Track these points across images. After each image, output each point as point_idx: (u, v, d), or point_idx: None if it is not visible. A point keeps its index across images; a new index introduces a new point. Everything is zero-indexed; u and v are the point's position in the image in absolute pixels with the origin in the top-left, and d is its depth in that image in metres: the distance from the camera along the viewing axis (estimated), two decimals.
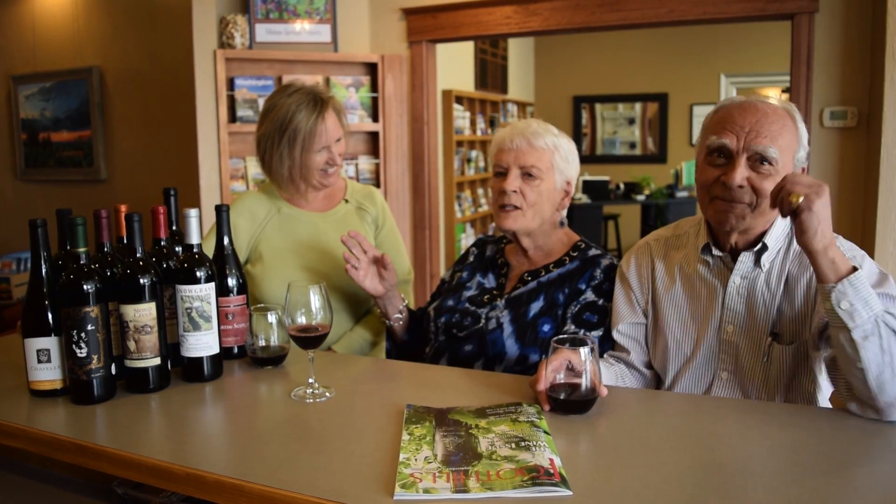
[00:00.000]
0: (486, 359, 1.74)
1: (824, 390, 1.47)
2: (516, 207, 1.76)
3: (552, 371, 1.31)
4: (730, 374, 1.53)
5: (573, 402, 1.30)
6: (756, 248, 1.49)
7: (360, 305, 2.11)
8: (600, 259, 1.78)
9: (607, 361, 1.64)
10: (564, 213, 1.87)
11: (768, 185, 1.39)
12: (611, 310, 1.72)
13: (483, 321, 1.77)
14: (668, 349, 1.59)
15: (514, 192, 1.75)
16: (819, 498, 0.98)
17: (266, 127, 2.00)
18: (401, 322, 1.92)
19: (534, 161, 1.75)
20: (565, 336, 1.38)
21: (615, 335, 1.67)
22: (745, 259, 1.51)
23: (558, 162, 1.78)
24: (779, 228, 1.50)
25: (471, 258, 1.98)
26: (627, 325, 1.66)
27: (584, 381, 1.29)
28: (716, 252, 1.54)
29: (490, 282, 1.88)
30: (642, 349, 1.65)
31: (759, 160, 1.41)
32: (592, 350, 1.30)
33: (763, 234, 1.49)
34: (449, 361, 1.80)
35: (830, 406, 1.46)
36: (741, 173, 1.41)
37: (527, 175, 1.75)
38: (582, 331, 1.69)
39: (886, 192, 2.85)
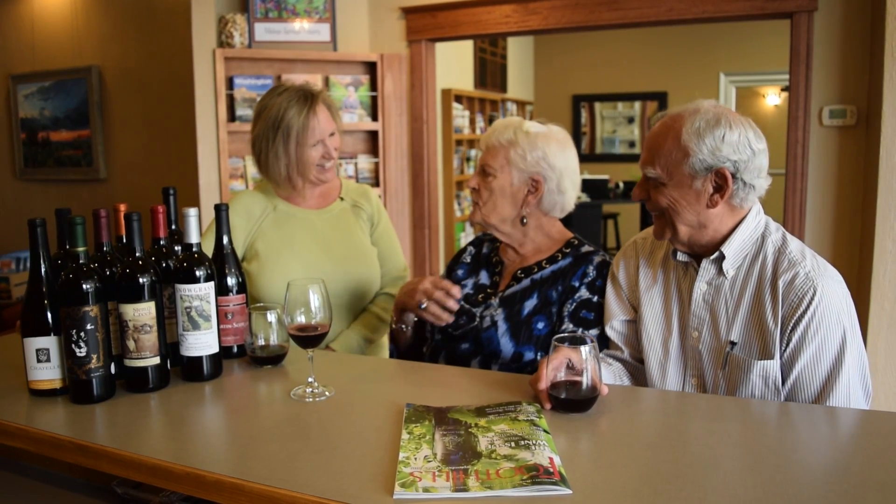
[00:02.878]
0: (483, 357, 1.75)
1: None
2: (476, 203, 1.84)
3: (553, 370, 1.32)
4: (698, 380, 1.54)
5: (574, 400, 1.30)
6: (713, 257, 1.51)
7: (357, 303, 2.11)
8: (593, 256, 1.79)
9: (605, 361, 1.65)
10: (557, 211, 1.83)
11: (658, 197, 1.50)
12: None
13: (478, 319, 1.78)
14: (645, 349, 1.61)
15: (474, 189, 1.83)
16: (818, 495, 0.98)
17: (259, 127, 2.02)
18: (410, 327, 1.90)
19: (487, 159, 1.80)
20: (566, 335, 1.38)
21: (608, 332, 1.69)
22: (707, 266, 1.53)
23: (514, 158, 1.76)
24: (740, 238, 1.50)
25: (467, 257, 1.99)
26: (619, 322, 1.68)
27: (585, 380, 1.29)
28: (681, 257, 1.57)
29: (484, 279, 1.89)
30: (633, 345, 1.66)
31: (647, 177, 1.52)
32: (593, 349, 1.31)
33: (722, 241, 1.50)
34: (446, 360, 1.81)
35: None
36: (638, 188, 1.55)
37: (483, 173, 1.81)
38: (580, 329, 1.69)
39: (885, 190, 2.85)
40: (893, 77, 2.81)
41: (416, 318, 1.86)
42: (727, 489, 1.00)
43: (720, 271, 1.51)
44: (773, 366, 1.42)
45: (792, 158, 3.23)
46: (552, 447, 1.13)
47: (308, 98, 1.99)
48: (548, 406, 1.31)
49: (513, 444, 1.14)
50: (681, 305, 1.57)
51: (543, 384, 1.31)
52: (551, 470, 1.05)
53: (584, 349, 1.30)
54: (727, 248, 1.49)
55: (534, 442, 1.15)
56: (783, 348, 1.42)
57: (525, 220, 1.82)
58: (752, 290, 1.48)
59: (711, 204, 1.46)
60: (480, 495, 1.00)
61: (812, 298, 1.39)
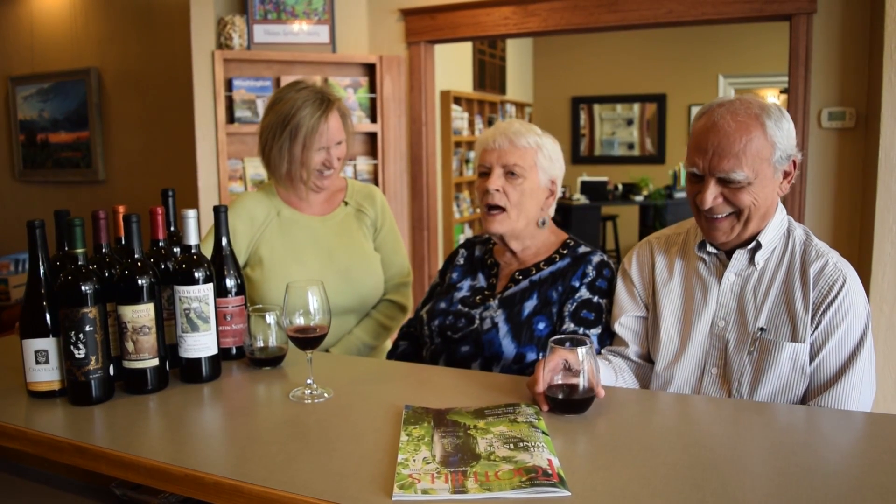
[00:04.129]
0: (484, 359, 1.74)
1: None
2: (501, 208, 1.77)
3: (549, 371, 1.32)
4: (719, 370, 1.55)
5: (571, 401, 1.30)
6: (750, 247, 1.53)
7: (360, 310, 2.10)
8: (591, 256, 1.79)
9: (605, 358, 1.65)
10: (551, 211, 1.86)
11: (743, 197, 1.45)
12: (606, 306, 1.73)
13: (477, 322, 1.78)
14: (661, 342, 1.61)
15: (497, 191, 1.76)
16: (817, 498, 0.98)
17: (270, 118, 1.99)
18: None
19: (516, 160, 1.76)
20: (563, 336, 1.38)
21: (616, 327, 1.69)
22: (740, 257, 1.55)
23: (541, 161, 1.78)
24: (774, 228, 1.53)
25: (460, 260, 1.97)
26: (629, 318, 1.68)
27: (582, 381, 1.29)
28: (711, 249, 1.58)
29: (480, 282, 1.88)
30: (641, 342, 1.66)
31: (727, 181, 1.45)
32: (590, 350, 1.31)
33: (758, 232, 1.52)
34: (446, 363, 1.80)
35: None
36: (711, 195, 1.47)
37: (510, 174, 1.76)
38: (581, 329, 1.69)
39: (884, 192, 2.85)
40: (892, 79, 2.82)
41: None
42: (726, 491, 1.00)
43: (751, 261, 1.54)
44: (803, 349, 1.46)
45: None
46: (551, 449, 1.13)
47: (324, 102, 1.97)
48: (545, 408, 1.31)
49: (512, 445, 1.14)
50: (704, 297, 1.58)
51: (540, 387, 1.32)
52: (550, 472, 1.05)
53: (581, 350, 1.30)
54: (763, 238, 1.52)
55: (532, 444, 1.14)
56: (813, 331, 1.46)
57: (544, 222, 1.84)
58: (781, 279, 1.51)
59: (782, 191, 1.51)
60: (479, 497, 1.00)
61: (843, 285, 1.45)
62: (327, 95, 1.99)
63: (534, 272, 1.80)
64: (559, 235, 1.88)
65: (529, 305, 1.75)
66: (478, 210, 6.80)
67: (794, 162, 1.50)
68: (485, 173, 1.79)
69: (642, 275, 1.69)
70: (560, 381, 1.32)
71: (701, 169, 1.47)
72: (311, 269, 2.00)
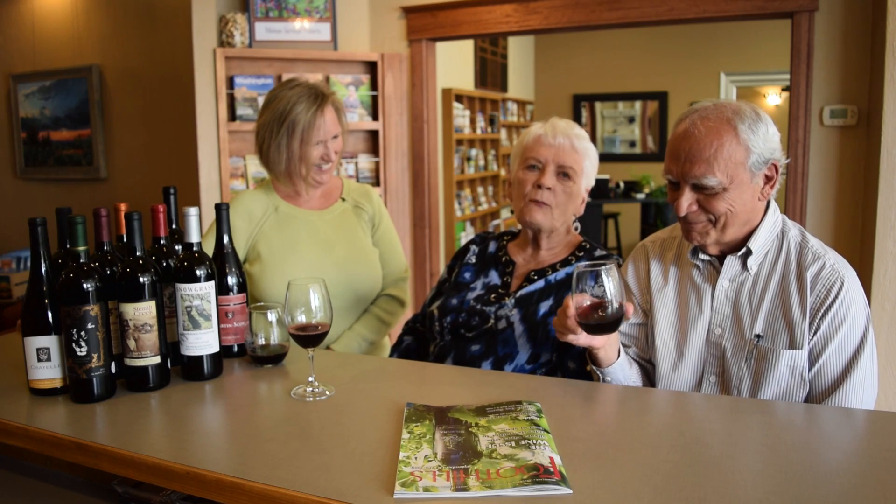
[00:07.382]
0: (496, 358, 1.73)
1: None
2: (546, 204, 1.77)
3: (577, 298, 1.37)
4: (717, 378, 1.54)
5: (602, 324, 1.36)
6: (741, 253, 1.52)
7: (359, 305, 2.11)
8: (607, 259, 1.79)
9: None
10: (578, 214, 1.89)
11: (718, 204, 1.45)
12: None
13: (492, 320, 1.77)
14: (657, 350, 1.60)
15: (549, 189, 1.76)
16: (818, 496, 0.98)
17: (266, 117, 2.02)
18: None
19: (572, 162, 1.77)
20: (584, 264, 1.40)
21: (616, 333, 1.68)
22: (732, 263, 1.53)
23: (587, 167, 1.81)
24: (764, 233, 1.51)
25: (472, 258, 1.96)
26: (628, 325, 1.67)
27: (611, 301, 1.35)
28: (704, 256, 1.57)
29: (494, 279, 1.88)
30: (641, 347, 1.66)
31: (700, 187, 1.45)
32: (611, 270, 1.36)
33: (748, 237, 1.51)
34: (455, 361, 1.78)
35: None
36: (686, 202, 1.46)
37: (563, 175, 1.77)
38: None
39: (886, 190, 2.85)
40: (894, 76, 2.81)
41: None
42: (728, 488, 1.00)
43: (744, 267, 1.52)
44: (801, 356, 1.45)
45: (793, 158, 3.23)
46: (552, 447, 1.13)
47: (318, 97, 2.00)
48: (578, 332, 1.36)
49: (513, 443, 1.14)
50: (699, 304, 1.57)
51: (571, 310, 1.36)
52: (552, 469, 1.05)
53: (603, 271, 1.35)
54: (753, 244, 1.50)
55: (534, 441, 1.15)
56: (811, 337, 1.45)
57: (578, 229, 1.87)
58: (777, 283, 1.49)
59: (763, 197, 1.49)
60: (481, 495, 1.00)
61: (840, 288, 1.43)
62: (321, 90, 2.02)
63: (549, 273, 1.80)
64: (575, 237, 1.89)
65: (545, 305, 1.75)
66: (479, 208, 6.76)
67: (774, 166, 1.47)
68: (535, 167, 1.78)
69: (639, 281, 1.68)
70: (588, 304, 1.37)
71: (675, 175, 1.47)
72: (310, 261, 2.01)
